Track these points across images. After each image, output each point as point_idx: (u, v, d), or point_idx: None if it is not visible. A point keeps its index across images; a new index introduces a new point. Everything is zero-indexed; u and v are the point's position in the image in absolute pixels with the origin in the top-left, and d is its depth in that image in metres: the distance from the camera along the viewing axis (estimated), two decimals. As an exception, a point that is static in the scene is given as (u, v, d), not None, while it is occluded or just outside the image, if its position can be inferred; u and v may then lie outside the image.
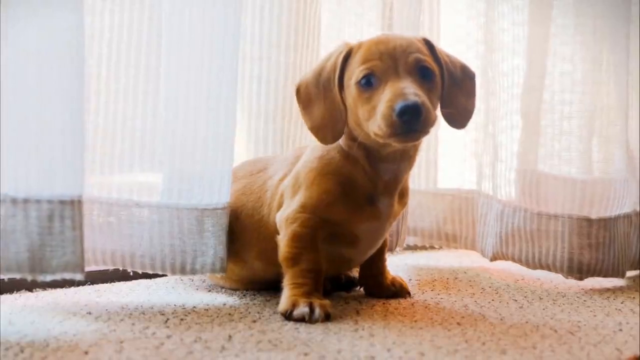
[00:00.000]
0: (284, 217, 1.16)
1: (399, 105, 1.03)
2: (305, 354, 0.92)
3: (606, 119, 1.52)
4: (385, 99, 1.05)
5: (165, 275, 1.34)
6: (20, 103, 1.01)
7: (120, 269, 1.21)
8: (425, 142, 1.64)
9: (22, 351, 0.90)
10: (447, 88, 1.15)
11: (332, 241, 1.17)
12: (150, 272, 1.21)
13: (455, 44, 1.67)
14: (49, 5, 1.02)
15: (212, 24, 1.18)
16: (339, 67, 1.13)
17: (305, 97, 1.16)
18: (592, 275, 1.45)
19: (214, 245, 1.20)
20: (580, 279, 1.45)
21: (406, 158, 1.16)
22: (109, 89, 1.21)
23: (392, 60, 1.08)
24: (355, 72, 1.10)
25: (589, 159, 1.50)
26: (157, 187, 1.21)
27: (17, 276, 1.02)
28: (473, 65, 1.60)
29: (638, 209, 1.55)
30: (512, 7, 1.52)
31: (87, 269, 1.30)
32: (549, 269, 1.47)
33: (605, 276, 1.46)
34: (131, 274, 1.26)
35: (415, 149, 1.18)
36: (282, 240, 1.15)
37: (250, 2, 1.40)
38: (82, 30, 1.06)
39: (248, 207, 1.23)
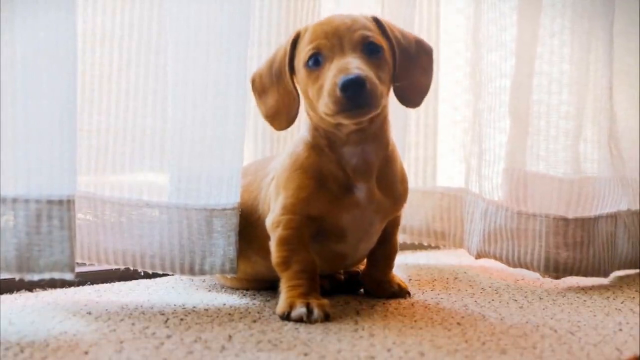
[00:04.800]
0: (270, 222, 1.16)
1: (341, 80, 1.04)
2: (305, 354, 0.92)
3: (590, 119, 1.52)
4: (330, 75, 1.06)
5: (167, 275, 1.34)
6: (8, 103, 1.01)
7: (128, 268, 1.22)
8: (422, 138, 1.66)
9: (22, 351, 0.90)
10: (399, 63, 1.15)
11: (320, 238, 1.17)
12: (160, 272, 1.22)
13: (454, 43, 1.67)
14: (39, 5, 1.02)
15: (220, 22, 1.18)
16: (289, 52, 1.15)
17: (260, 87, 1.18)
18: (570, 274, 1.45)
19: (223, 246, 1.20)
20: (557, 277, 1.46)
21: (370, 139, 1.15)
22: (119, 88, 1.22)
23: (337, 39, 1.10)
24: (302, 53, 1.12)
25: (571, 159, 1.50)
26: (167, 187, 1.21)
27: (5, 275, 1.03)
28: (470, 64, 1.61)
29: (633, 209, 1.55)
30: (501, 11, 1.52)
31: (89, 269, 1.32)
32: (527, 268, 1.47)
33: (584, 275, 1.46)
34: (132, 271, 1.26)
35: (381, 128, 1.16)
36: (272, 246, 1.16)
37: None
38: (75, 30, 1.06)
39: (249, 205, 1.24)
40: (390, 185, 1.19)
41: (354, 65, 1.05)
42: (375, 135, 1.16)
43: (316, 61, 1.10)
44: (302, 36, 1.14)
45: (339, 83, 1.04)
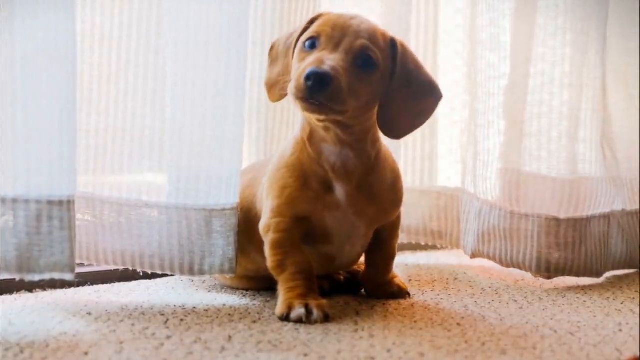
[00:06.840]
0: (262, 226, 1.17)
1: (309, 69, 1.04)
2: (305, 355, 0.92)
3: (584, 119, 1.52)
4: (307, 62, 1.07)
5: (167, 276, 1.34)
6: (8, 103, 1.01)
7: (128, 268, 1.22)
8: (420, 138, 1.66)
9: (22, 352, 0.90)
10: (395, 90, 1.13)
11: (308, 240, 1.17)
12: (160, 272, 1.22)
13: (453, 43, 1.67)
14: (38, 5, 1.02)
15: (220, 22, 1.18)
16: (303, 29, 1.15)
17: (275, 54, 1.20)
18: (562, 274, 1.46)
19: (222, 246, 1.20)
20: (549, 278, 1.46)
21: (347, 144, 1.14)
22: (118, 88, 1.21)
23: (340, 35, 1.10)
24: (307, 34, 1.12)
25: (566, 160, 1.50)
26: (166, 187, 1.21)
27: (5, 275, 1.04)
28: (467, 64, 1.62)
29: (628, 209, 1.55)
30: (500, 12, 1.51)
31: (89, 269, 1.32)
32: (520, 268, 1.47)
33: (576, 275, 1.46)
34: (132, 271, 1.26)
35: (361, 141, 1.15)
36: (266, 250, 1.16)
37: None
38: (74, 30, 1.06)
39: (249, 201, 1.24)
40: (376, 194, 1.18)
41: (330, 62, 1.05)
42: (354, 145, 1.15)
43: (312, 44, 1.10)
44: (319, 19, 1.14)
45: (306, 71, 1.04)
